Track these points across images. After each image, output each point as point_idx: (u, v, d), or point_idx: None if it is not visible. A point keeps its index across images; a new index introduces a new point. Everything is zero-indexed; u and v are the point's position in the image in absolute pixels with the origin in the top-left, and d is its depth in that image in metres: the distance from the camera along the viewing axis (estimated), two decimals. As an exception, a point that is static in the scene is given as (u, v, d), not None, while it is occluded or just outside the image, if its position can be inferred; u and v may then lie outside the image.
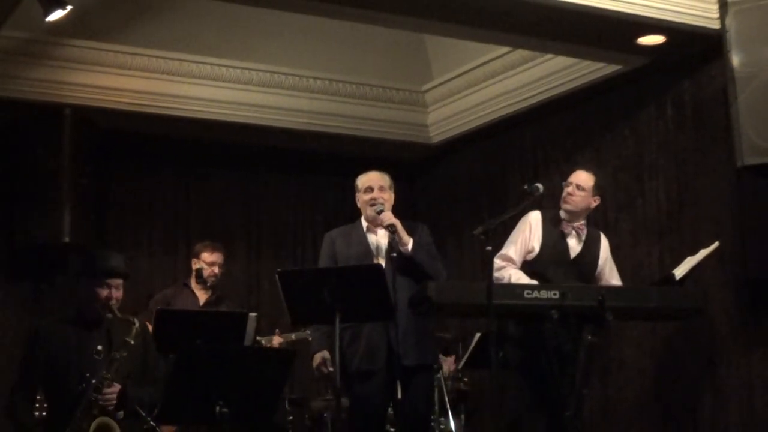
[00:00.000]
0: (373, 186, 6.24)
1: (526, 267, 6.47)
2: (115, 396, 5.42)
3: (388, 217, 6.05)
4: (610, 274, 6.67)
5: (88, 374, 5.42)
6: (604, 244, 6.69)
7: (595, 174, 6.65)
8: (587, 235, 6.57)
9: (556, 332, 5.88)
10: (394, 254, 5.94)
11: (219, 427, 5.06)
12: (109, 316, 5.54)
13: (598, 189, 6.56)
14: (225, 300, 8.12)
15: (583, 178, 6.55)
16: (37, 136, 8.25)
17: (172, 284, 8.60)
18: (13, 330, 8.22)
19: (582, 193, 6.51)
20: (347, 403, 6.30)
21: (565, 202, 6.53)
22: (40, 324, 5.69)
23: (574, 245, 6.54)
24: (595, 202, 6.59)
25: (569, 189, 6.51)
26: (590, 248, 6.59)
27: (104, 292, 5.53)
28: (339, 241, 6.25)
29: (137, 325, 5.57)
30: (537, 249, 6.49)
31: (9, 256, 8.40)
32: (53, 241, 8.14)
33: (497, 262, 6.39)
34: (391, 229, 6.02)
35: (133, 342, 5.50)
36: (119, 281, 5.61)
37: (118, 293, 5.60)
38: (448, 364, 8.15)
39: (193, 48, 8.60)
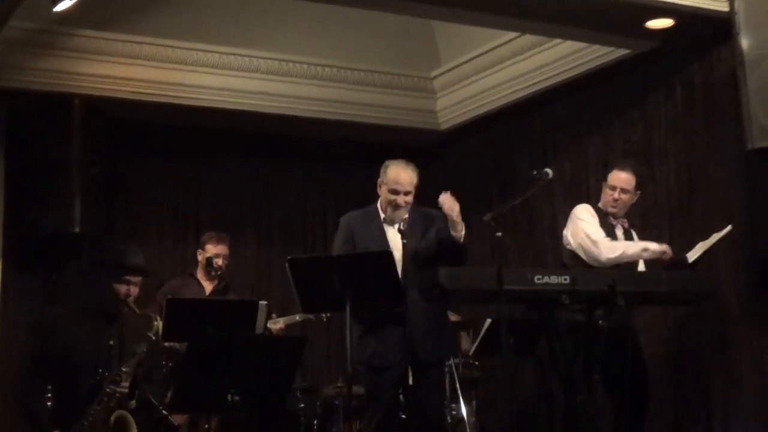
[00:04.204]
0: (400, 190, 6.11)
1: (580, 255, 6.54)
2: (126, 391, 5.40)
3: (449, 206, 5.96)
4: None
5: (100, 369, 5.40)
6: (635, 236, 6.84)
7: (633, 169, 6.73)
8: (627, 228, 6.73)
9: (567, 317, 5.88)
10: (404, 241, 5.93)
11: (231, 415, 5.08)
12: (125, 310, 5.53)
13: (639, 184, 6.69)
14: (231, 289, 8.14)
15: (625, 179, 6.64)
16: (46, 126, 8.26)
17: (181, 273, 8.63)
18: (24, 319, 8.24)
19: (627, 196, 6.64)
20: (359, 391, 6.30)
21: (613, 206, 6.63)
22: (57, 314, 5.66)
23: (621, 235, 6.68)
24: (636, 198, 6.74)
25: (614, 194, 6.60)
26: (630, 238, 6.74)
27: (124, 288, 5.51)
28: (357, 227, 6.19)
29: (158, 321, 5.56)
30: None
31: (19, 245, 8.42)
32: (63, 231, 8.15)
33: (605, 243, 6.48)
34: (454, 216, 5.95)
35: (154, 338, 5.49)
36: (138, 278, 5.60)
37: (135, 289, 5.59)
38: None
39: (201, 36, 8.60)
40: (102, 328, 5.54)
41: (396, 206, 6.09)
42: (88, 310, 5.61)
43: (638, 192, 6.74)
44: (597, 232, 6.56)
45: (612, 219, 6.67)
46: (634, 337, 6.58)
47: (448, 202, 5.95)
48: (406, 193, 6.11)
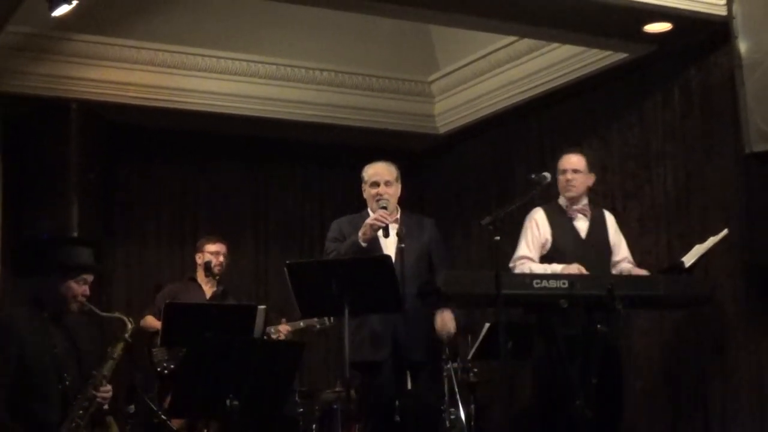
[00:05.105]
0: (379, 181, 6.19)
1: (543, 260, 6.50)
2: (109, 396, 5.24)
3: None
4: (622, 248, 6.70)
5: (65, 374, 5.21)
6: (610, 219, 6.78)
7: (582, 152, 6.75)
8: (592, 214, 6.64)
9: (565, 321, 5.89)
10: (402, 245, 5.94)
11: (229, 420, 5.05)
12: (85, 311, 5.35)
13: (591, 166, 6.67)
14: (231, 293, 8.15)
15: (575, 161, 6.62)
16: (44, 131, 8.28)
17: (180, 277, 8.63)
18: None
19: (579, 175, 6.59)
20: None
21: (567, 190, 6.59)
22: (9, 316, 5.39)
23: (582, 226, 6.60)
24: (592, 180, 6.69)
25: (567, 176, 6.58)
26: (598, 225, 6.67)
27: (82, 289, 5.33)
28: (347, 229, 6.23)
29: (131, 325, 5.43)
30: (550, 241, 6.53)
31: (17, 249, 8.40)
32: (61, 235, 8.14)
33: (514, 265, 6.45)
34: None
35: (130, 341, 5.38)
36: (92, 277, 5.42)
37: (88, 290, 5.39)
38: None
39: (199, 41, 8.60)
40: (54, 330, 5.30)
41: (381, 199, 6.13)
42: (41, 313, 5.33)
43: (592, 174, 6.69)
44: (521, 249, 6.54)
45: (571, 212, 6.59)
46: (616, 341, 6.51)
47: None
48: (387, 183, 6.19)
